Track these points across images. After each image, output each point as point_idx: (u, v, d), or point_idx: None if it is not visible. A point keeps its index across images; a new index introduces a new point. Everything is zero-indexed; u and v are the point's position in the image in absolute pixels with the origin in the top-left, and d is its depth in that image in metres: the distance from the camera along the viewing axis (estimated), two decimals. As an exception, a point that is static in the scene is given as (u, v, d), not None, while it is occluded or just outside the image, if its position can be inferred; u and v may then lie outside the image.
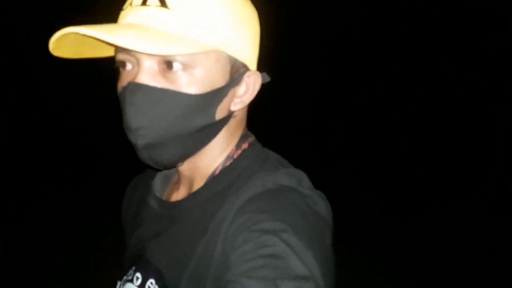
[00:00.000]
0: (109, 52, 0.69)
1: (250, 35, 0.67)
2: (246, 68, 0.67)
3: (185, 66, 0.61)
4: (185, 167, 0.72)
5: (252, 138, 0.75)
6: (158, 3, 0.60)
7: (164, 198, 0.78)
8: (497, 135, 5.90)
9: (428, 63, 6.71)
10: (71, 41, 0.62)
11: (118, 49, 0.63)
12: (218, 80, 0.63)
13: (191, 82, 0.61)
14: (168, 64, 0.61)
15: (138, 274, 0.73)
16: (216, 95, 0.64)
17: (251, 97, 0.69)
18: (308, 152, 5.41)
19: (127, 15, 0.62)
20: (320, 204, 0.65)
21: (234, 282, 0.52)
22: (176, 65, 0.60)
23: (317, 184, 0.70)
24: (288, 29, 6.25)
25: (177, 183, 0.78)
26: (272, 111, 5.62)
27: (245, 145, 0.73)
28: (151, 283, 0.70)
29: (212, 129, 0.67)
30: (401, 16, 6.53)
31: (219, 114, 0.66)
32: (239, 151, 0.72)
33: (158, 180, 0.80)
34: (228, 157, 0.71)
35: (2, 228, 3.83)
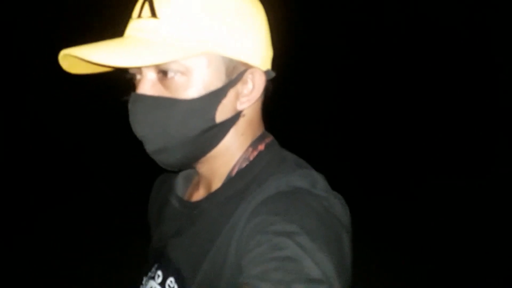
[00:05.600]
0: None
1: (250, 32, 0.66)
2: (247, 66, 0.67)
3: (179, 72, 0.63)
4: (203, 168, 0.73)
5: (269, 139, 0.75)
6: (150, 14, 0.63)
7: (185, 198, 0.79)
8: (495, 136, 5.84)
9: (426, 62, 6.65)
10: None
11: None
12: (213, 82, 0.64)
13: (186, 87, 0.63)
14: (163, 72, 0.63)
15: (159, 272, 0.75)
16: (213, 97, 0.65)
17: (257, 95, 0.69)
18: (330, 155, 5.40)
19: (127, 28, 0.67)
20: (336, 206, 0.64)
21: (248, 285, 0.52)
22: (170, 73, 0.63)
23: (335, 185, 0.69)
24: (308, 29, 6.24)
25: (198, 184, 0.79)
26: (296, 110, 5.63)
27: (261, 147, 0.72)
28: (171, 281, 0.71)
29: (217, 131, 0.67)
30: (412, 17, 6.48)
31: (221, 115, 0.66)
32: (255, 153, 0.72)
33: (180, 180, 0.82)
34: (244, 159, 0.71)
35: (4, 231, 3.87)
